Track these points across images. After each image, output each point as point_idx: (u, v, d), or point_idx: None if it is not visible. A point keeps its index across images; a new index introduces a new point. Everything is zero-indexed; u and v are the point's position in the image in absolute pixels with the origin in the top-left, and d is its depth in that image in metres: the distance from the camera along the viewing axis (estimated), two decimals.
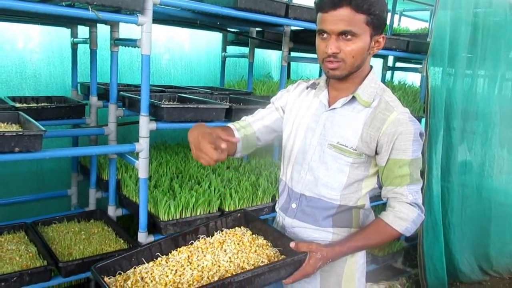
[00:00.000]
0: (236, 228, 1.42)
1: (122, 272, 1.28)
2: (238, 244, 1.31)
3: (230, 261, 1.21)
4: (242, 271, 1.14)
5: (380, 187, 1.37)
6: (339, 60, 1.23)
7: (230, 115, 2.20)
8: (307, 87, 1.46)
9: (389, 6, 3.94)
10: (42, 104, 2.40)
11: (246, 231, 1.40)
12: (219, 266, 1.20)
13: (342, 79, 1.29)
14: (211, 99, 2.56)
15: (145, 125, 1.93)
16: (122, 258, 1.31)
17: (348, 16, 1.18)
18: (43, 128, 1.62)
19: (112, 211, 2.34)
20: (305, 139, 1.38)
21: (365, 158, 1.29)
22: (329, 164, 1.33)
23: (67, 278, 1.86)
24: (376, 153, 1.30)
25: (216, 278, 1.13)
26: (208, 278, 1.14)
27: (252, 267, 1.15)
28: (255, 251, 1.25)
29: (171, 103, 2.40)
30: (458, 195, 3.36)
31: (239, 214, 1.44)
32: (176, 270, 1.22)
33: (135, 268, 1.29)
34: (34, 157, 1.64)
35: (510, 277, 3.65)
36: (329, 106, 1.36)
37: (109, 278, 1.24)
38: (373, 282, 3.20)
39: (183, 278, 1.17)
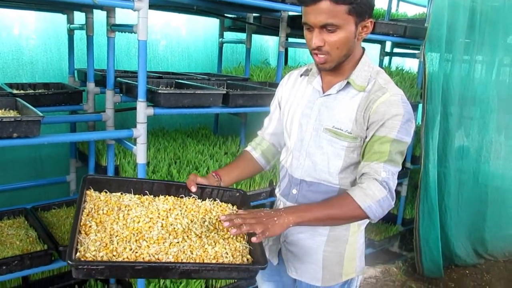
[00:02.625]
0: (229, 205, 1.42)
1: (107, 192, 1.35)
2: (219, 221, 1.29)
3: (199, 238, 1.21)
4: (196, 259, 1.13)
5: None
6: (324, 53, 1.24)
7: (227, 100, 2.21)
8: (301, 75, 1.47)
9: None
10: (40, 91, 2.40)
11: (235, 212, 1.40)
12: (186, 237, 1.21)
13: (334, 68, 1.29)
14: (208, 85, 2.57)
15: (143, 110, 1.94)
16: (114, 180, 1.39)
17: (328, 8, 1.17)
18: (41, 114, 1.63)
19: None
20: (301, 126, 1.39)
21: (360, 141, 1.30)
22: (325, 148, 1.34)
23: None
24: (366, 130, 1.30)
25: (174, 249, 1.14)
26: (167, 245, 1.15)
27: (213, 255, 1.15)
28: (228, 237, 1.24)
29: (168, 89, 2.40)
30: (455, 180, 3.39)
31: (237, 194, 1.44)
32: (150, 219, 1.25)
33: (121, 193, 1.36)
34: (32, 143, 1.65)
35: (504, 260, 3.70)
36: (323, 91, 1.37)
37: (94, 192, 1.32)
38: (370, 266, 3.25)
39: (150, 233, 1.20)
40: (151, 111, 1.97)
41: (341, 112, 1.31)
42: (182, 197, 1.40)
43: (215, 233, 1.25)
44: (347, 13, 1.19)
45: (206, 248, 1.18)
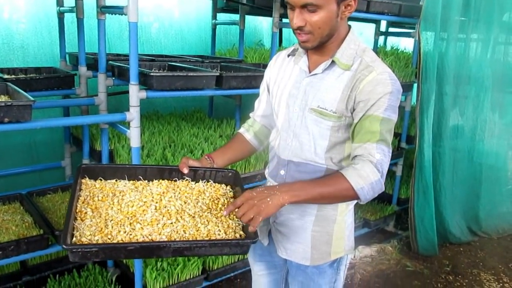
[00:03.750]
0: (222, 185, 1.44)
1: (102, 179, 1.38)
2: (213, 201, 1.33)
3: (192, 218, 1.23)
4: (188, 238, 1.15)
5: None
6: (306, 32, 1.23)
7: (221, 82, 2.20)
8: (288, 55, 1.46)
9: None
10: (31, 75, 2.38)
11: (229, 192, 1.42)
12: (180, 218, 1.23)
13: (316, 47, 1.29)
14: (201, 67, 2.55)
15: (135, 94, 1.92)
16: (108, 167, 1.42)
17: None
18: (32, 98, 1.61)
19: None
20: (288, 107, 1.39)
21: (344, 120, 1.29)
22: (310, 128, 1.34)
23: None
24: (353, 111, 1.29)
25: (167, 230, 1.16)
26: (160, 227, 1.18)
27: (206, 234, 1.17)
28: (221, 216, 1.26)
29: (161, 71, 2.38)
30: (450, 159, 3.41)
31: (230, 174, 1.44)
32: (144, 203, 1.27)
33: (116, 180, 1.39)
34: (24, 128, 1.64)
35: (498, 237, 3.75)
36: (310, 71, 1.36)
37: (89, 180, 1.36)
38: (366, 245, 3.29)
39: (144, 215, 1.21)
40: (143, 94, 1.96)
41: (326, 92, 1.30)
42: (175, 180, 1.41)
43: (208, 213, 1.27)
44: None
45: (199, 227, 1.19)
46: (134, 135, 1.96)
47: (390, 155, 1.26)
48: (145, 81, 2.01)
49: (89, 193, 1.30)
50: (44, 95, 2.28)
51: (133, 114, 1.94)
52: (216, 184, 1.43)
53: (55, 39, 2.79)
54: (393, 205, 3.65)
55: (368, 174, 1.20)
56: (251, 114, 1.63)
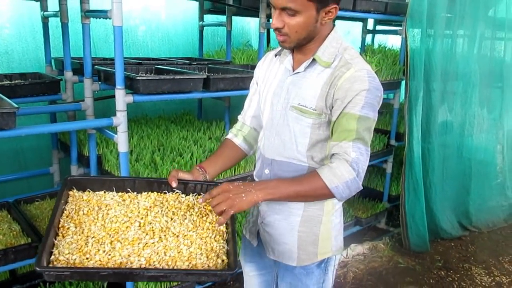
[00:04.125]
0: None
1: (90, 191, 1.35)
2: (202, 218, 1.29)
3: (176, 237, 1.20)
4: (168, 261, 1.12)
5: None
6: (284, 34, 1.25)
7: (208, 85, 2.19)
8: (276, 55, 1.47)
9: None
10: (16, 81, 2.35)
11: None
12: (163, 236, 1.20)
13: (295, 47, 1.31)
14: (189, 70, 2.53)
15: (121, 98, 1.90)
16: (96, 180, 1.39)
17: None
18: (15, 105, 1.59)
19: None
20: (272, 106, 1.40)
21: (325, 117, 1.29)
22: (291, 126, 1.34)
23: None
24: (332, 108, 1.29)
25: (147, 251, 1.13)
26: (141, 247, 1.15)
27: (187, 257, 1.15)
28: (206, 237, 1.23)
29: (148, 75, 2.37)
30: (439, 155, 3.43)
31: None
32: (128, 219, 1.24)
33: (104, 192, 1.35)
34: (9, 135, 1.61)
35: (488, 231, 3.79)
36: (294, 70, 1.36)
37: (77, 192, 1.33)
38: (358, 243, 3.30)
39: (126, 233, 1.19)
40: (130, 98, 1.94)
41: (307, 89, 1.31)
42: (165, 193, 1.38)
43: (193, 232, 1.23)
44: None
45: (181, 249, 1.16)
46: (121, 140, 1.95)
47: (369, 153, 1.25)
48: (131, 85, 1.99)
49: (75, 206, 1.27)
50: (30, 101, 2.25)
51: (120, 119, 1.92)
52: None
53: (40, 44, 2.76)
54: (384, 202, 3.66)
55: (343, 173, 1.19)
56: (239, 117, 1.61)
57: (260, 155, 1.48)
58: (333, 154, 1.25)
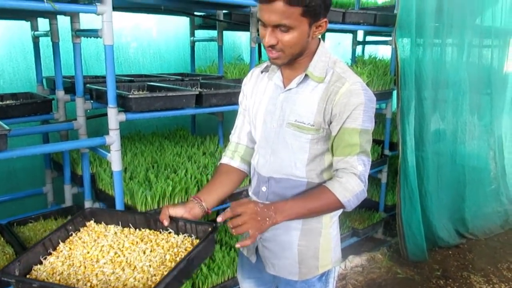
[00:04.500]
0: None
1: (104, 223, 1.42)
2: (176, 258, 1.23)
3: (133, 269, 1.19)
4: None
5: None
6: (278, 50, 1.24)
7: (201, 101, 2.19)
8: (262, 71, 1.45)
9: None
10: (7, 102, 2.33)
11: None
12: (133, 268, 1.19)
13: (286, 64, 1.29)
14: (181, 85, 2.53)
15: (114, 117, 1.89)
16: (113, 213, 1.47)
17: (281, 9, 1.16)
18: (7, 127, 1.57)
19: (89, 205, 2.32)
20: (265, 124, 1.39)
21: (323, 132, 1.30)
22: (289, 143, 1.34)
23: None
24: (330, 122, 1.30)
25: (111, 278, 1.15)
26: (102, 275, 1.17)
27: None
28: (157, 267, 1.20)
29: (140, 92, 2.36)
30: (433, 164, 3.44)
31: (209, 228, 1.30)
32: (111, 247, 1.28)
33: (115, 226, 1.41)
34: (0, 158, 1.60)
35: (485, 238, 3.79)
36: (284, 86, 1.36)
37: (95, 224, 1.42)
38: (355, 255, 3.28)
39: (99, 261, 1.22)
40: (122, 116, 1.93)
41: (302, 106, 1.31)
42: (160, 231, 1.35)
43: (152, 268, 1.19)
44: (301, 15, 1.18)
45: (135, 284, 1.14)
46: (115, 159, 1.93)
47: (370, 163, 1.31)
48: (123, 103, 1.99)
49: (87, 233, 1.36)
50: (22, 121, 2.23)
51: (113, 138, 1.91)
52: (197, 240, 1.31)
53: (31, 63, 2.76)
54: (380, 212, 3.66)
55: (353, 186, 1.25)
56: (232, 138, 1.56)
57: (255, 173, 1.47)
58: (338, 169, 1.29)
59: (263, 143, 1.40)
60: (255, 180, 1.47)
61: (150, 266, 1.19)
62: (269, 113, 1.37)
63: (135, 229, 1.39)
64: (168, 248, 1.27)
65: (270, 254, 1.45)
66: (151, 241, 1.31)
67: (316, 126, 1.29)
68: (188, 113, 2.21)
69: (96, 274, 1.17)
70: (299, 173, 1.35)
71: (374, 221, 3.53)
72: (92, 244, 1.30)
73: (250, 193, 1.53)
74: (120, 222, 1.40)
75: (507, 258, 3.46)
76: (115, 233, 1.37)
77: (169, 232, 1.34)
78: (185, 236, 1.32)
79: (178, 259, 1.22)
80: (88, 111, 2.26)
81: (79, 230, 1.38)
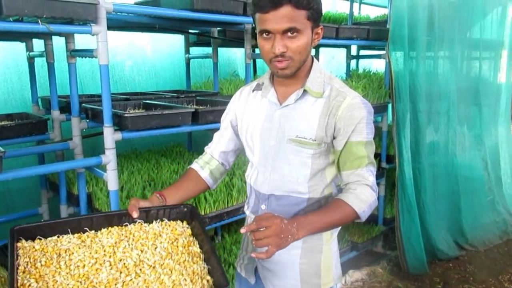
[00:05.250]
0: (178, 222, 1.32)
1: (42, 238, 1.20)
2: (172, 243, 1.23)
3: (153, 268, 1.14)
4: None
5: None
6: (287, 58, 1.23)
7: (197, 118, 2.18)
8: (253, 90, 1.45)
9: None
10: (2, 123, 2.32)
11: (187, 228, 1.31)
12: (140, 271, 1.13)
13: (291, 75, 1.29)
14: (177, 102, 2.54)
15: (110, 136, 1.89)
16: (46, 225, 1.24)
17: (290, 13, 1.17)
18: (1, 149, 1.56)
19: None
20: (263, 141, 1.38)
21: (324, 146, 1.31)
22: (291, 159, 1.33)
23: None
24: (334, 137, 1.31)
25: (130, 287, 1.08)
26: (120, 286, 1.08)
27: (171, 286, 1.10)
28: (184, 261, 1.17)
29: (136, 111, 2.36)
30: (429, 175, 3.44)
31: (185, 209, 1.33)
32: (96, 260, 1.15)
33: (58, 237, 1.22)
34: None
35: (485, 249, 3.77)
36: (280, 103, 1.36)
37: (26, 242, 1.18)
38: (356, 269, 3.25)
39: (99, 276, 1.10)
40: (119, 135, 1.93)
41: (302, 121, 1.31)
42: (126, 225, 1.29)
43: (169, 259, 1.17)
44: (306, 18, 1.20)
45: (162, 280, 1.10)
46: (111, 178, 1.92)
47: (376, 171, 1.34)
48: (119, 122, 1.98)
49: (29, 258, 1.13)
50: (17, 142, 2.22)
51: (109, 157, 1.90)
52: (172, 222, 1.32)
53: (25, 84, 2.76)
54: (379, 225, 3.64)
55: (368, 197, 1.27)
56: (208, 150, 1.56)
57: (252, 191, 1.45)
58: (350, 182, 1.31)
59: (263, 161, 1.39)
60: (253, 198, 1.45)
61: (165, 258, 1.18)
62: (266, 131, 1.37)
63: (95, 231, 1.25)
64: (155, 237, 1.24)
65: (271, 274, 1.43)
66: (129, 237, 1.23)
67: (318, 141, 1.29)
68: (184, 131, 2.21)
69: (120, 287, 1.07)
70: (301, 189, 1.35)
71: (373, 235, 3.51)
72: (62, 262, 1.13)
73: (247, 212, 1.51)
74: (70, 230, 1.24)
75: (507, 270, 3.43)
76: (76, 242, 1.20)
77: (139, 223, 1.29)
78: (158, 222, 1.30)
79: (176, 242, 1.23)
80: (84, 130, 2.25)
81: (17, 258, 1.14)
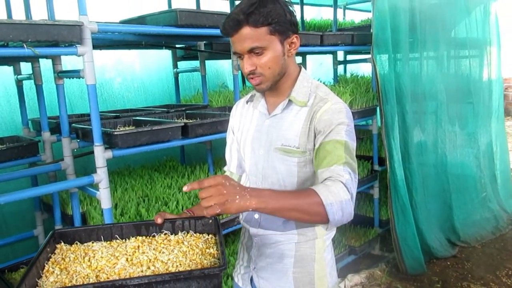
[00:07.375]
0: (204, 234, 1.35)
1: (78, 243, 1.33)
2: (192, 248, 1.26)
3: (165, 264, 1.18)
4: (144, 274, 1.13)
5: None
6: (258, 75, 1.28)
7: (187, 131, 2.20)
8: (247, 102, 1.50)
9: (330, 2, 4.03)
10: None
11: (211, 238, 1.33)
12: (152, 265, 1.18)
13: (271, 88, 1.33)
14: (167, 117, 2.56)
15: (101, 154, 1.90)
16: (83, 230, 1.37)
17: (249, 34, 1.22)
18: None
19: None
20: (254, 151, 1.41)
21: (309, 154, 1.32)
22: (278, 167, 1.35)
23: None
24: (314, 141, 1.31)
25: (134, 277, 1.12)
26: (127, 275, 1.14)
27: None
28: (195, 258, 1.21)
29: (126, 128, 2.37)
30: (420, 175, 3.47)
31: (210, 221, 1.35)
32: (115, 257, 1.23)
33: (92, 242, 1.34)
34: None
35: (481, 245, 3.79)
36: (269, 113, 1.40)
37: (65, 245, 1.32)
38: (354, 273, 3.25)
39: (114, 267, 1.18)
40: (109, 154, 1.94)
41: (287, 130, 1.34)
42: (154, 236, 1.35)
43: (183, 257, 1.21)
44: (269, 33, 1.23)
45: (169, 270, 1.15)
46: (104, 197, 1.93)
47: (357, 181, 1.22)
48: (109, 140, 1.99)
49: (62, 255, 1.26)
50: (9, 165, 2.22)
51: (101, 176, 1.91)
52: (197, 234, 1.35)
53: (14, 107, 2.76)
54: (375, 228, 3.66)
55: (339, 191, 1.13)
56: (226, 169, 1.62)
57: None
58: (324, 179, 1.19)
59: (253, 170, 1.42)
60: None
61: (180, 257, 1.20)
62: (256, 140, 1.40)
63: (125, 239, 1.34)
64: (176, 244, 1.29)
65: (266, 283, 1.44)
66: (152, 243, 1.30)
67: (302, 149, 1.31)
68: (175, 145, 2.23)
69: (127, 275, 1.13)
70: None
71: (370, 237, 3.52)
72: (86, 258, 1.23)
73: (242, 221, 1.53)
74: (102, 237, 1.34)
75: (505, 265, 3.46)
76: (105, 245, 1.31)
77: (165, 234, 1.34)
78: (184, 233, 1.35)
79: (196, 248, 1.26)
80: (75, 150, 2.26)
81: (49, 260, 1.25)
